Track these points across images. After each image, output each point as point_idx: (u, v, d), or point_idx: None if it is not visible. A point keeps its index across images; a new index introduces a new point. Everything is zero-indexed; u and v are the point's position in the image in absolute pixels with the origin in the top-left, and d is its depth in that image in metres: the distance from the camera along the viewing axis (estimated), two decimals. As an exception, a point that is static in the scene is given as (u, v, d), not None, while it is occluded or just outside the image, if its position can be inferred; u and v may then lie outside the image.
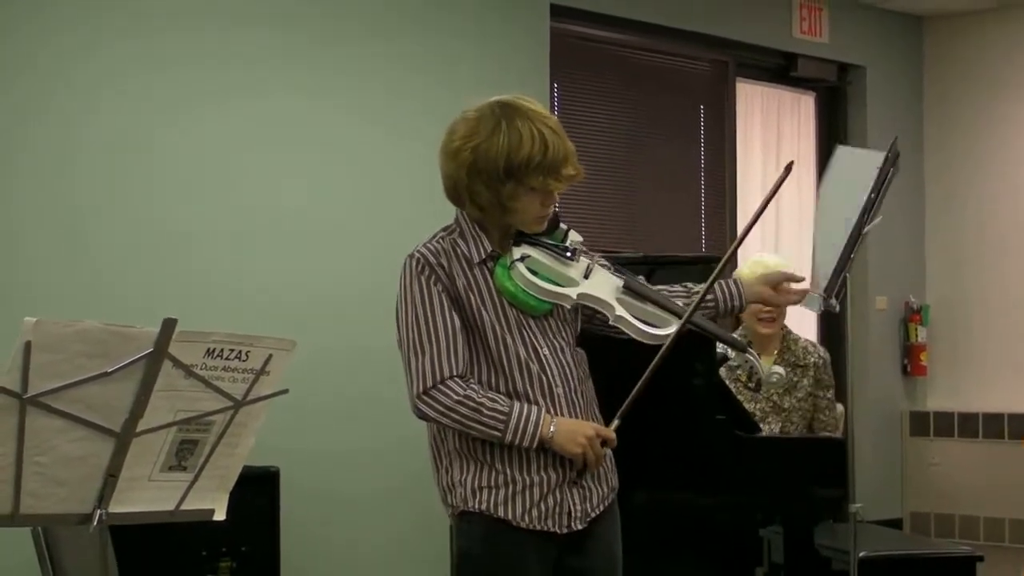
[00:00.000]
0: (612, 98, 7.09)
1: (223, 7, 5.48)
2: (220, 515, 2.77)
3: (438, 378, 3.08)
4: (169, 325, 2.44)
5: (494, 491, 3.14)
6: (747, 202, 7.74)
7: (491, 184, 3.09)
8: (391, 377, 5.69)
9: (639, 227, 7.18)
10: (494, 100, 3.17)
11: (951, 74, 8.46)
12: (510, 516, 3.13)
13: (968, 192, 8.37)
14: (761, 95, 8.01)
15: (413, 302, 3.12)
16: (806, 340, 5.45)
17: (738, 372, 5.20)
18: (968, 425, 8.12)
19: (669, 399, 4.73)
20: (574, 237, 3.29)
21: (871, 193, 4.48)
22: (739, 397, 5.13)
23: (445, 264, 3.14)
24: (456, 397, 3.08)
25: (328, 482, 5.65)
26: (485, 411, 3.07)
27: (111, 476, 2.54)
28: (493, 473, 3.14)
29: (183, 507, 2.71)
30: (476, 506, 3.15)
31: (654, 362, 3.18)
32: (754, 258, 5.41)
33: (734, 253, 3.66)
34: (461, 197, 3.16)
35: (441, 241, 3.18)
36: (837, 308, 4.79)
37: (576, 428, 3.12)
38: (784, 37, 7.79)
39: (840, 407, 5.35)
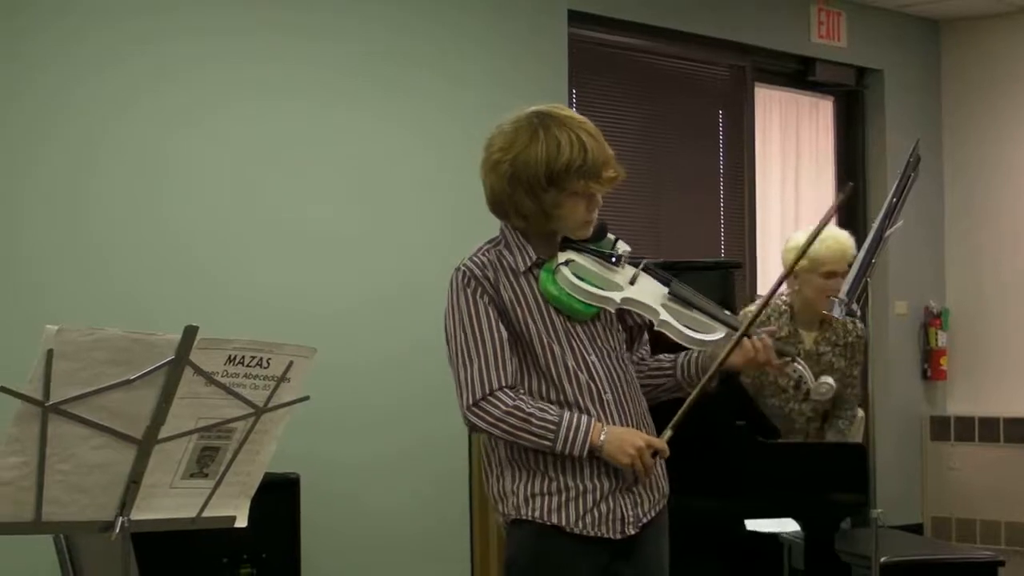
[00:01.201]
0: (630, 103, 7.08)
1: (247, 15, 5.49)
2: (241, 522, 2.78)
3: (487, 390, 3.07)
4: (191, 332, 2.44)
5: (547, 498, 3.12)
6: (766, 206, 7.74)
7: (533, 193, 3.09)
8: (411, 384, 5.76)
9: (659, 232, 7.17)
10: (530, 110, 3.17)
11: (969, 77, 8.43)
12: (563, 522, 3.11)
13: (987, 195, 8.34)
14: (779, 100, 8.00)
15: (460, 315, 3.11)
16: (847, 316, 5.38)
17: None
18: (989, 429, 8.09)
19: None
20: (623, 247, 3.27)
21: (892, 198, 4.47)
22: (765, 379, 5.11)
23: (491, 276, 3.13)
24: (505, 408, 3.07)
25: (348, 489, 5.65)
26: (534, 421, 3.06)
27: (133, 483, 2.55)
28: (546, 480, 3.12)
29: (204, 514, 2.72)
30: (529, 514, 3.13)
31: (709, 372, 3.18)
32: (789, 244, 5.28)
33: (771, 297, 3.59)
34: (505, 209, 3.16)
35: (487, 253, 3.18)
36: (858, 312, 4.79)
37: (625, 438, 3.10)
38: (802, 41, 7.78)
39: (860, 412, 5.32)
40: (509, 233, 3.20)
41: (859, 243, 5.01)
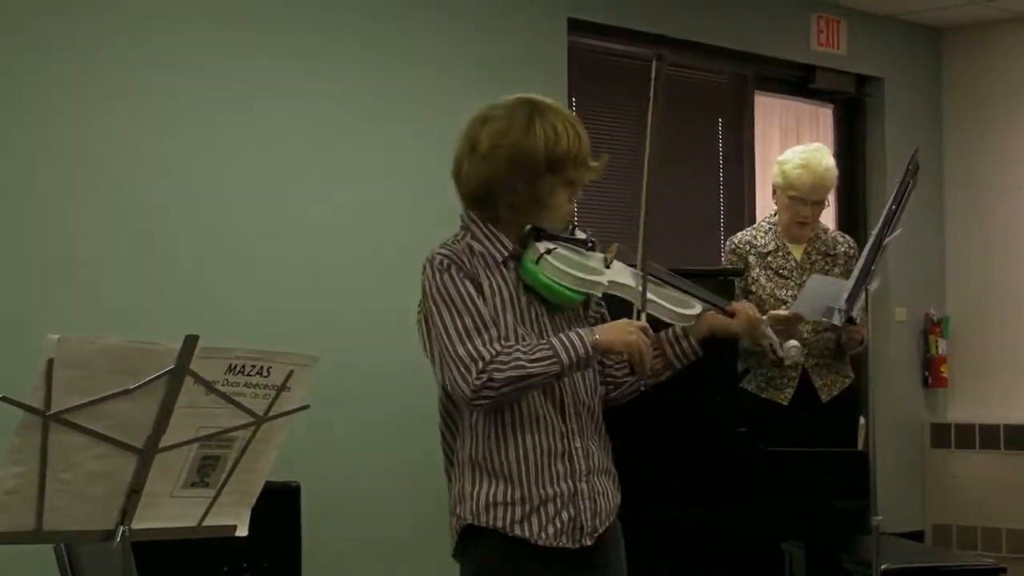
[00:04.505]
0: (630, 112, 7.08)
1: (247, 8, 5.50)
2: (242, 531, 2.77)
3: (482, 366, 2.94)
4: (191, 341, 2.44)
5: (509, 508, 3.04)
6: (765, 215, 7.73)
7: (531, 180, 3.05)
8: (415, 393, 5.73)
9: (658, 240, 7.15)
10: (517, 97, 3.18)
11: (970, 85, 8.44)
12: (527, 534, 3.03)
13: (988, 203, 8.35)
14: (780, 108, 8.00)
15: (446, 295, 3.01)
16: (835, 231, 5.46)
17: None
18: (989, 436, 8.09)
19: (691, 412, 4.74)
20: (580, 234, 3.23)
21: (892, 205, 4.49)
22: (770, 284, 5.12)
23: (467, 262, 3.06)
24: (505, 369, 2.94)
25: (349, 497, 5.65)
26: (527, 352, 2.96)
27: (134, 492, 2.55)
28: (509, 488, 3.04)
29: (205, 523, 2.71)
30: (490, 522, 3.05)
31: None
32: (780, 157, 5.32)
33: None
34: (493, 197, 3.09)
35: (456, 243, 3.11)
36: (858, 320, 4.80)
37: (619, 325, 3.05)
38: (802, 49, 7.79)
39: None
40: (478, 225, 3.12)
41: (859, 250, 5.02)
